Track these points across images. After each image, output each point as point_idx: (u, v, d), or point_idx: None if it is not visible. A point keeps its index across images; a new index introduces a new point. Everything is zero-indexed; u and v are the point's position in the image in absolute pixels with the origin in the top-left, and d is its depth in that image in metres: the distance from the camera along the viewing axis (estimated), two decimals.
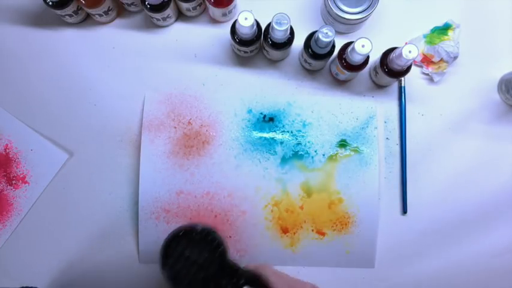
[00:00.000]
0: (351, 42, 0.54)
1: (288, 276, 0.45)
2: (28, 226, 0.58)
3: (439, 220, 0.60)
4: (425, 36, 0.61)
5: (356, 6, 0.57)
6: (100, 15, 0.58)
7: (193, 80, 0.61)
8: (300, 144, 0.59)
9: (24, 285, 0.56)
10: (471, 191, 0.60)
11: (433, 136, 0.61)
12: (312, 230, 0.58)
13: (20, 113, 0.60)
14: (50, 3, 0.55)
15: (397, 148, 0.61)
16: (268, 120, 0.60)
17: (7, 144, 0.59)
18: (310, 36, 0.56)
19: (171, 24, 0.62)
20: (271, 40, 0.55)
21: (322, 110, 0.60)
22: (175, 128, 0.59)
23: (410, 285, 0.60)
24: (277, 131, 0.60)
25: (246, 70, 0.61)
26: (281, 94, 0.61)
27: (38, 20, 0.61)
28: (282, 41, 0.55)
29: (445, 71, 0.60)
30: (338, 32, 0.61)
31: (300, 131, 0.60)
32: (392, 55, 0.54)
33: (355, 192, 0.59)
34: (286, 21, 0.51)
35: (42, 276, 0.58)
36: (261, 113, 0.60)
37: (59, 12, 0.57)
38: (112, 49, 0.61)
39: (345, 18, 0.56)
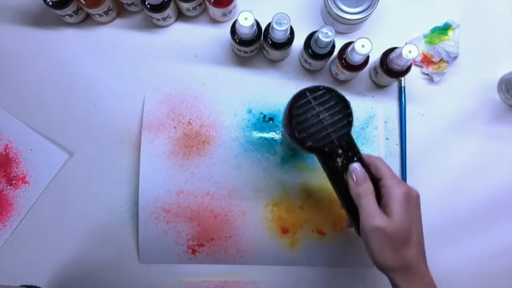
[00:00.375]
0: (351, 42, 0.54)
1: (397, 177, 0.45)
2: (28, 226, 0.58)
3: (439, 220, 0.60)
4: (425, 36, 0.61)
5: (356, 6, 0.57)
6: (100, 15, 0.58)
7: (193, 80, 0.61)
8: None
9: (25, 284, 0.56)
10: (471, 191, 0.60)
11: (433, 136, 0.61)
12: (312, 230, 0.58)
13: (20, 113, 0.60)
14: (50, 3, 0.55)
15: (397, 148, 0.61)
16: (268, 120, 0.60)
17: (7, 144, 0.59)
18: (310, 36, 0.56)
19: (171, 24, 0.62)
20: (271, 40, 0.55)
21: None
22: (175, 128, 0.59)
23: None
24: (277, 131, 0.60)
25: (246, 70, 0.61)
26: (281, 94, 0.61)
27: (38, 20, 0.61)
28: (282, 41, 0.55)
29: (445, 71, 0.60)
30: (338, 32, 0.61)
31: None
32: (392, 55, 0.54)
33: None
34: (286, 21, 0.51)
35: (42, 276, 0.58)
36: (261, 113, 0.60)
37: (59, 12, 0.57)
38: (112, 49, 0.61)
39: (345, 18, 0.56)
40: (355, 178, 0.43)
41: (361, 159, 0.45)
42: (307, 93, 0.44)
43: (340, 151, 0.44)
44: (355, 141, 0.45)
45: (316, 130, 0.44)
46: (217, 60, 0.61)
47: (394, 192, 0.42)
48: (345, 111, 0.44)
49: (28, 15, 0.61)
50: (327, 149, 0.44)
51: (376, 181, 0.44)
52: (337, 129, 0.44)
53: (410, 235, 0.42)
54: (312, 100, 0.44)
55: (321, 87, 0.44)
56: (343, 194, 0.44)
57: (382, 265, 0.42)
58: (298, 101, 0.44)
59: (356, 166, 0.43)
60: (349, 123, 0.44)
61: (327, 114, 0.44)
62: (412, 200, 0.43)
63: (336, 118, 0.44)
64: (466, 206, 0.60)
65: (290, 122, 0.44)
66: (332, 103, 0.44)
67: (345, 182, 0.44)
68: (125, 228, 0.59)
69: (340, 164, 0.44)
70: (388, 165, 0.45)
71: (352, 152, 0.44)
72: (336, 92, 0.45)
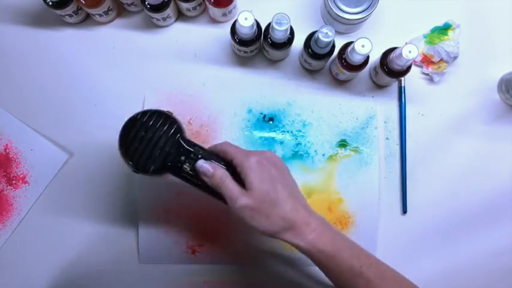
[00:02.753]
0: (351, 42, 0.54)
1: (247, 150, 0.46)
2: (28, 226, 0.58)
3: (439, 220, 0.60)
4: (425, 36, 0.61)
5: (356, 6, 0.57)
6: (100, 15, 0.58)
7: (193, 80, 0.61)
8: (300, 144, 0.59)
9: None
10: (471, 191, 0.60)
11: (433, 136, 0.61)
12: None
13: (20, 113, 0.60)
14: (50, 3, 0.55)
15: (397, 148, 0.61)
16: (268, 120, 0.60)
17: (7, 144, 0.59)
18: (310, 36, 0.56)
19: (171, 24, 0.62)
20: (271, 40, 0.55)
21: (322, 110, 0.60)
22: None
23: None
24: (277, 131, 0.60)
25: (246, 70, 0.61)
26: (281, 94, 0.61)
27: (38, 20, 0.61)
28: (282, 41, 0.55)
29: (445, 71, 0.60)
30: (338, 32, 0.61)
31: (300, 131, 0.60)
32: (393, 55, 0.54)
33: (355, 192, 0.59)
34: (286, 21, 0.51)
35: (42, 276, 0.58)
36: (261, 113, 0.60)
37: (59, 12, 0.57)
38: (112, 49, 0.61)
39: (345, 18, 0.56)
40: (204, 174, 0.44)
41: (206, 154, 0.46)
42: (126, 126, 0.46)
43: (182, 158, 0.45)
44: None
45: (151, 153, 0.45)
46: (217, 60, 0.61)
47: (245, 165, 0.43)
48: (167, 121, 0.45)
49: (28, 15, 0.61)
50: (170, 164, 0.45)
51: (230, 164, 0.45)
52: (168, 140, 0.45)
53: (277, 195, 0.42)
54: (132, 130, 0.45)
55: (135, 115, 0.46)
56: (210, 193, 0.46)
57: (266, 233, 0.43)
58: (122, 137, 0.46)
59: (201, 163, 0.44)
60: (177, 130, 0.45)
61: (152, 134, 0.45)
62: (265, 161, 0.43)
63: (162, 132, 0.45)
64: (465, 205, 0.60)
65: (126, 160, 0.45)
66: (151, 121, 0.45)
67: (204, 182, 0.45)
68: (125, 228, 0.59)
69: (189, 169, 0.45)
70: (236, 145, 0.46)
71: (194, 152, 0.45)
72: (150, 111, 0.46)
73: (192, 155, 0.45)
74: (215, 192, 0.45)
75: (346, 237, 0.45)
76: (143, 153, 0.45)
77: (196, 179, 0.46)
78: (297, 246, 0.43)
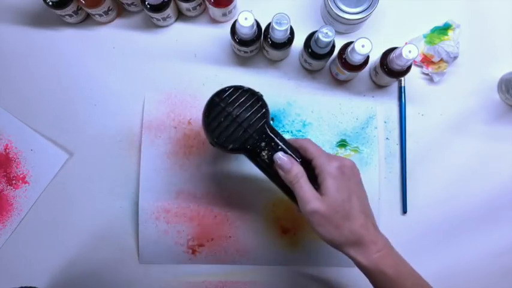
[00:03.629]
0: (351, 42, 0.54)
1: (328, 152, 0.44)
2: (28, 226, 0.58)
3: (439, 220, 0.60)
4: (425, 36, 0.61)
5: (356, 6, 0.57)
6: (100, 15, 0.58)
7: (193, 80, 0.61)
8: None
9: (24, 285, 0.56)
10: (471, 191, 0.60)
11: (433, 136, 0.61)
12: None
13: (20, 113, 0.60)
14: (50, 3, 0.55)
15: (397, 148, 0.61)
16: None
17: (7, 144, 0.59)
18: (310, 36, 0.56)
19: (171, 24, 0.62)
20: (271, 40, 0.55)
21: (322, 110, 0.60)
22: (175, 128, 0.59)
23: None
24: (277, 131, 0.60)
25: (246, 70, 0.61)
26: (281, 94, 0.61)
27: (38, 20, 0.61)
28: (282, 41, 0.55)
29: (445, 71, 0.60)
30: (338, 32, 0.61)
31: (300, 131, 0.60)
32: (392, 55, 0.54)
33: None
34: (286, 21, 0.51)
35: (42, 276, 0.58)
36: None
37: (59, 12, 0.57)
38: (112, 49, 0.61)
39: (345, 18, 0.56)
40: (281, 167, 0.43)
41: (287, 146, 0.45)
42: (215, 98, 0.45)
43: (262, 144, 0.44)
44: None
45: (234, 130, 0.44)
46: (217, 60, 0.61)
47: (326, 169, 0.42)
48: (257, 103, 0.45)
49: (28, 15, 0.61)
50: (249, 146, 0.44)
51: (309, 162, 0.44)
52: (253, 123, 0.44)
53: (351, 207, 0.41)
54: (221, 103, 0.44)
55: (227, 88, 0.45)
56: (280, 184, 0.45)
57: (331, 243, 0.42)
58: (208, 109, 0.45)
59: (280, 155, 0.43)
60: (264, 115, 0.44)
61: (239, 113, 0.44)
62: (347, 170, 0.43)
63: (250, 113, 0.44)
64: (466, 205, 0.60)
65: (207, 131, 0.44)
66: (242, 99, 0.44)
67: (277, 173, 0.44)
68: (124, 228, 0.59)
69: (266, 157, 0.44)
70: (317, 144, 0.45)
71: (275, 142, 0.44)
72: (243, 88, 0.45)
73: (272, 144, 0.44)
74: (285, 187, 0.44)
75: (409, 265, 0.44)
76: (226, 129, 0.44)
77: (270, 169, 0.45)
78: (359, 263, 0.42)
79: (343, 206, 0.41)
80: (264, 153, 0.44)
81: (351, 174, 0.43)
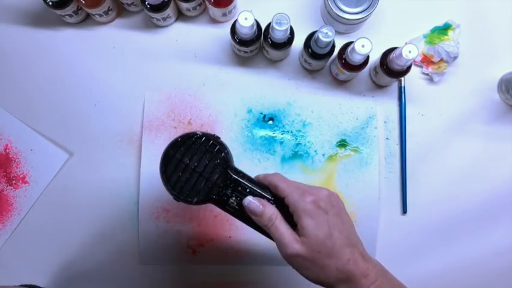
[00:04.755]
0: (351, 42, 0.54)
1: (300, 183, 0.41)
2: (28, 226, 0.58)
3: (439, 220, 0.60)
4: (425, 36, 0.61)
5: (356, 6, 0.57)
6: (100, 15, 0.58)
7: (193, 80, 0.61)
8: (300, 144, 0.59)
9: (24, 284, 0.56)
10: (471, 191, 0.60)
11: (433, 136, 0.61)
12: None
13: (20, 113, 0.60)
14: (50, 3, 0.55)
15: (397, 148, 0.61)
16: (268, 120, 0.60)
17: (7, 144, 0.59)
18: (310, 36, 0.56)
19: (171, 24, 0.62)
20: (271, 40, 0.55)
21: (322, 110, 0.60)
22: (175, 128, 0.59)
23: (411, 285, 0.60)
24: (277, 131, 0.60)
25: (246, 70, 0.61)
26: (281, 94, 0.61)
27: (38, 20, 0.61)
28: (282, 41, 0.55)
29: (445, 71, 0.60)
30: (338, 32, 0.61)
31: (299, 131, 0.60)
32: (392, 55, 0.54)
33: (355, 192, 0.59)
34: (286, 21, 0.51)
35: (42, 277, 0.58)
36: (261, 113, 0.60)
37: (59, 12, 0.57)
38: (112, 49, 0.61)
39: (345, 18, 0.56)
40: (252, 212, 0.40)
41: (255, 187, 0.42)
42: (170, 150, 0.42)
43: (229, 191, 0.41)
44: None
45: (195, 182, 0.41)
46: (217, 60, 0.61)
47: (300, 207, 0.39)
48: (214, 148, 0.41)
49: (28, 15, 0.61)
50: (215, 196, 0.41)
51: (282, 199, 0.41)
52: (214, 170, 0.41)
53: (333, 244, 0.38)
54: (176, 155, 0.41)
55: (179, 138, 0.42)
56: (257, 228, 0.42)
57: (321, 284, 0.39)
58: (164, 163, 0.42)
59: (249, 200, 0.40)
60: (225, 159, 0.41)
61: (198, 162, 0.41)
62: (322, 203, 0.39)
63: (208, 160, 0.41)
64: (466, 205, 0.60)
65: (167, 187, 0.42)
66: (197, 147, 0.41)
67: (250, 217, 0.41)
68: (124, 228, 0.59)
69: (235, 203, 0.41)
70: (286, 177, 0.42)
71: (242, 186, 0.41)
72: (196, 135, 0.42)
73: (239, 188, 0.41)
74: (263, 230, 0.41)
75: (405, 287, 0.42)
76: (187, 182, 0.41)
77: (243, 214, 0.41)
78: None
79: (325, 245, 0.38)
80: (232, 200, 0.41)
81: (328, 206, 0.39)
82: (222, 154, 0.42)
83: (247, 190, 0.41)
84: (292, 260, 0.39)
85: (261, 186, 0.42)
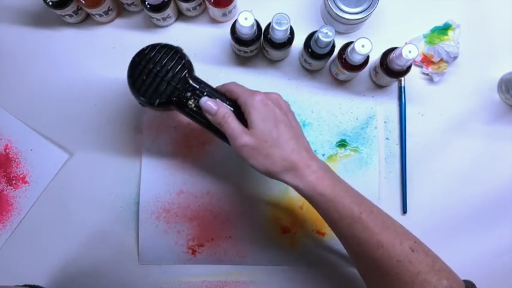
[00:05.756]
0: (351, 42, 0.54)
1: (252, 90, 0.45)
2: (28, 226, 0.58)
3: (439, 220, 0.60)
4: (425, 36, 0.61)
5: (356, 6, 0.57)
6: (100, 15, 0.58)
7: None
8: None
9: (27, 284, 0.56)
10: (471, 191, 0.60)
11: (433, 136, 0.61)
12: (312, 230, 0.58)
13: (20, 113, 0.60)
14: (50, 3, 0.55)
15: (397, 148, 0.61)
16: None
17: (7, 144, 0.59)
18: (310, 36, 0.56)
19: (171, 24, 0.62)
20: (271, 40, 0.55)
21: (322, 110, 0.60)
22: (175, 128, 0.59)
23: None
24: None
25: (246, 70, 0.61)
26: (281, 94, 0.60)
27: (38, 20, 0.61)
28: (282, 41, 0.55)
29: (445, 71, 0.60)
30: (338, 32, 0.61)
31: None
32: (392, 55, 0.54)
33: None
34: (286, 21, 0.51)
35: (42, 277, 0.58)
36: None
37: (59, 12, 0.57)
38: (112, 49, 0.61)
39: (345, 18, 0.56)
40: (208, 110, 0.44)
41: (212, 92, 0.46)
42: (136, 58, 0.46)
43: (188, 94, 0.46)
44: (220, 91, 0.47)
45: (157, 86, 0.45)
46: (217, 60, 0.61)
47: (249, 103, 0.43)
48: (176, 56, 0.46)
49: (28, 15, 0.61)
50: (175, 98, 0.46)
51: (236, 103, 0.45)
52: (175, 75, 0.46)
53: (278, 135, 0.42)
54: (141, 62, 0.46)
55: (145, 47, 0.46)
56: (213, 130, 0.46)
57: (266, 173, 0.43)
58: (131, 69, 0.46)
59: (205, 100, 0.44)
60: (185, 66, 0.46)
61: (160, 68, 0.46)
62: (270, 101, 0.44)
63: (170, 66, 0.46)
64: (466, 205, 0.60)
65: (133, 91, 0.46)
66: (160, 55, 0.46)
67: (206, 118, 0.45)
68: (124, 228, 0.59)
69: (193, 105, 0.46)
70: (243, 85, 0.46)
71: (200, 90, 0.46)
72: (160, 44, 0.46)
73: (197, 92, 0.46)
74: (218, 131, 0.45)
75: (347, 184, 0.45)
76: (150, 86, 0.45)
77: (200, 116, 0.46)
78: (296, 188, 0.43)
79: (271, 135, 0.42)
80: (190, 102, 0.46)
81: (276, 104, 0.44)
82: (183, 61, 0.46)
83: (205, 94, 0.46)
84: (241, 150, 0.42)
85: (218, 92, 0.47)
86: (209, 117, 0.45)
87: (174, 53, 0.46)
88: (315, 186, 0.42)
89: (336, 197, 0.42)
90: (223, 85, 0.47)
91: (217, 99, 0.45)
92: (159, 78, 0.46)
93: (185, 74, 0.46)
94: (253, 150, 0.42)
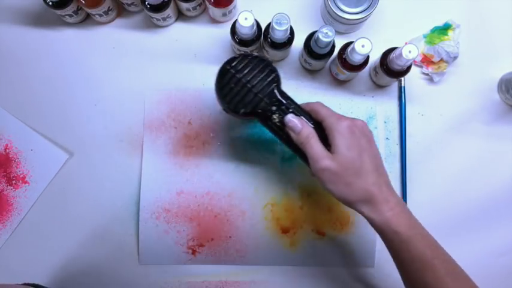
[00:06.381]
0: (351, 42, 0.54)
1: (339, 114, 0.45)
2: (28, 226, 0.58)
3: (439, 220, 0.60)
4: (425, 36, 0.61)
5: (356, 6, 0.56)
6: (100, 15, 0.58)
7: (193, 80, 0.61)
8: None
9: (26, 282, 0.56)
10: (471, 191, 0.60)
11: (433, 136, 0.61)
12: (312, 230, 0.58)
13: (20, 113, 0.60)
14: (50, 3, 0.55)
15: (397, 148, 0.61)
16: None
17: (7, 144, 0.59)
18: (310, 36, 0.56)
19: (171, 24, 0.62)
20: (271, 40, 0.55)
21: None
22: (175, 128, 0.59)
23: None
24: None
25: None
26: None
27: (38, 20, 0.61)
28: (282, 41, 0.55)
29: (445, 71, 0.60)
30: (338, 32, 0.61)
31: None
32: (392, 55, 0.54)
33: None
34: (286, 21, 0.51)
35: (41, 277, 0.58)
36: None
37: (59, 12, 0.57)
38: (112, 49, 0.61)
39: (345, 18, 0.56)
40: (292, 128, 0.44)
41: (298, 109, 0.46)
42: (226, 65, 0.46)
43: (274, 108, 0.46)
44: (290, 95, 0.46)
45: (244, 95, 0.45)
46: (217, 60, 0.61)
47: (336, 128, 0.42)
48: (267, 68, 0.46)
49: (28, 15, 0.61)
50: (260, 110, 0.46)
51: (320, 124, 0.45)
52: (264, 88, 0.46)
53: (361, 165, 0.42)
54: (231, 70, 0.46)
55: (237, 56, 0.46)
56: (292, 147, 0.46)
57: (343, 201, 0.43)
58: (220, 76, 0.46)
59: (290, 117, 0.44)
60: (274, 79, 0.46)
61: (250, 78, 0.46)
62: (357, 129, 0.43)
63: (260, 78, 0.46)
64: (466, 205, 0.60)
65: (219, 98, 0.46)
66: (251, 66, 0.46)
67: (288, 135, 0.45)
68: (124, 228, 0.59)
69: (277, 120, 0.46)
70: (328, 107, 0.45)
71: (286, 105, 0.46)
72: (252, 55, 0.46)
73: (283, 107, 0.46)
74: (298, 149, 0.45)
75: (423, 227, 0.44)
76: (237, 95, 0.45)
77: (281, 132, 0.46)
78: (371, 220, 0.42)
79: (354, 164, 0.41)
80: (275, 117, 0.46)
81: (361, 133, 0.43)
82: (273, 75, 0.46)
83: (290, 110, 0.46)
84: (321, 173, 0.42)
85: (303, 111, 0.46)
86: (292, 135, 0.44)
87: (265, 66, 0.46)
88: (390, 223, 0.41)
89: (410, 238, 0.41)
90: (307, 104, 0.46)
91: (302, 118, 0.45)
92: (247, 89, 0.46)
93: (273, 88, 0.46)
94: (333, 176, 0.42)
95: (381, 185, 0.42)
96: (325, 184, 0.42)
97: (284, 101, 0.46)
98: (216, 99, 0.47)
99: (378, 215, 0.41)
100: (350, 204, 0.43)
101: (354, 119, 0.44)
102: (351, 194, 0.42)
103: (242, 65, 0.46)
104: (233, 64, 0.46)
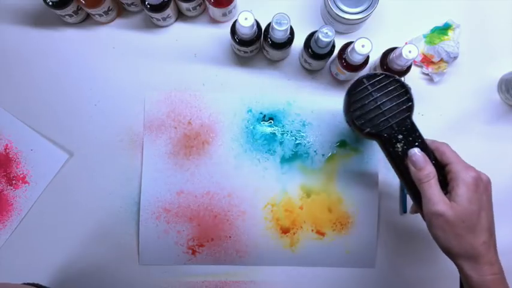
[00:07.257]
0: (351, 42, 0.53)
1: (465, 162, 0.43)
2: (28, 226, 0.58)
3: None
4: (425, 36, 0.61)
5: (356, 6, 0.56)
6: (100, 15, 0.58)
7: (193, 80, 0.61)
8: (300, 144, 0.59)
9: (27, 282, 0.56)
10: None
11: (433, 136, 0.60)
12: (312, 230, 0.59)
13: (20, 113, 0.60)
14: (50, 3, 0.55)
15: None
16: (268, 120, 0.60)
17: (7, 144, 0.59)
18: (310, 36, 0.56)
19: (171, 24, 0.62)
20: (271, 40, 0.55)
21: (322, 110, 0.60)
22: (175, 128, 0.59)
23: (411, 285, 0.60)
24: (277, 131, 0.60)
25: (246, 70, 0.61)
26: (281, 94, 0.61)
27: (38, 20, 0.61)
28: (282, 41, 0.55)
29: (445, 71, 0.60)
30: (338, 32, 0.61)
31: (299, 131, 0.60)
32: (392, 55, 0.54)
33: (354, 192, 0.59)
34: (286, 21, 0.51)
35: (41, 277, 0.58)
36: (261, 113, 0.60)
37: (59, 12, 0.57)
38: (112, 49, 0.61)
39: (345, 18, 0.56)
40: (415, 163, 0.42)
41: (423, 144, 0.44)
42: (364, 80, 0.45)
43: (400, 136, 0.44)
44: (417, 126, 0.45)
45: (375, 116, 0.44)
46: (217, 60, 0.61)
47: (462, 177, 0.41)
48: (404, 96, 0.45)
49: (28, 15, 0.61)
50: (386, 135, 0.44)
51: (442, 167, 0.43)
52: (396, 114, 0.44)
53: (478, 222, 0.41)
54: (369, 86, 0.45)
55: (379, 73, 0.45)
56: (406, 179, 0.44)
57: (446, 251, 0.42)
58: (355, 88, 0.45)
59: (416, 151, 0.43)
60: (409, 109, 0.45)
61: (385, 100, 0.44)
62: (482, 184, 0.42)
63: (395, 103, 0.44)
64: None
65: (348, 109, 0.45)
66: (390, 88, 0.45)
67: (406, 167, 0.44)
68: (125, 228, 0.59)
69: (400, 149, 0.44)
70: (455, 151, 0.44)
71: (413, 137, 0.44)
72: (394, 78, 0.45)
73: (410, 138, 0.44)
74: (411, 183, 0.44)
75: None
76: (367, 113, 0.45)
77: (400, 162, 0.44)
78: (469, 277, 0.41)
79: (471, 218, 0.40)
80: (398, 145, 0.44)
81: (485, 188, 0.42)
82: (409, 103, 0.45)
83: (416, 144, 0.44)
84: (434, 217, 0.41)
85: (428, 148, 0.45)
86: (412, 169, 0.43)
87: (404, 92, 0.45)
88: (488, 286, 0.40)
89: None
90: (433, 141, 0.45)
91: (425, 154, 0.43)
92: (379, 110, 0.44)
93: (406, 117, 0.44)
94: (446, 224, 0.40)
95: (490, 246, 0.41)
96: (433, 228, 0.41)
97: (413, 133, 0.44)
98: (343, 110, 0.46)
99: (479, 275, 0.40)
100: (452, 255, 0.41)
101: (480, 172, 0.43)
102: (457, 247, 0.41)
103: (381, 84, 0.45)
104: (372, 81, 0.45)
